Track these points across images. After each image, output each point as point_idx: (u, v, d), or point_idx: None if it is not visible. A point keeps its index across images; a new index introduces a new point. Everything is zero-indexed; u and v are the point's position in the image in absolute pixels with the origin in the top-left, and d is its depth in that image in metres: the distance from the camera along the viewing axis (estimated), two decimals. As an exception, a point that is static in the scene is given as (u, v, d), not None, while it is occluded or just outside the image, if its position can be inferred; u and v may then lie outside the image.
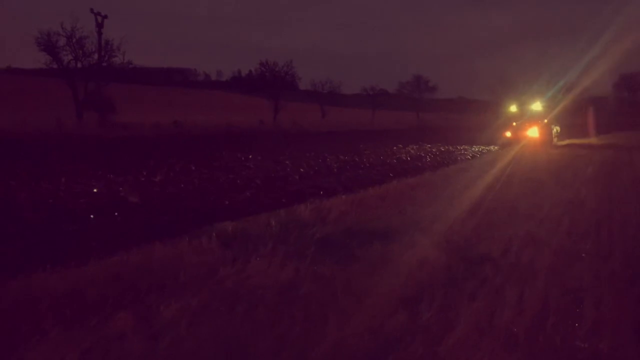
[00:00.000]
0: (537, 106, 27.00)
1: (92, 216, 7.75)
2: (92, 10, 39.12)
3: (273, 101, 51.19)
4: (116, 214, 7.96)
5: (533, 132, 25.59)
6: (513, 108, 27.75)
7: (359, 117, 60.19)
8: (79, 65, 31.24)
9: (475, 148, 26.08)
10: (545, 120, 26.41)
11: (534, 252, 6.37)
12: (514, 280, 5.30)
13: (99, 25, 39.07)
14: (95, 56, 31.32)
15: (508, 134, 26.60)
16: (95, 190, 9.68)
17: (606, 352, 3.74)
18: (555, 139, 27.69)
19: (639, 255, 6.35)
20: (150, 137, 23.13)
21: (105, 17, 39.78)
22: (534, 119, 26.24)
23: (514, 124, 26.69)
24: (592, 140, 33.79)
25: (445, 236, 7.09)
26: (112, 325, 3.88)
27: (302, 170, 14.41)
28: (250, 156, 17.66)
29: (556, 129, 28.25)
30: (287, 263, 5.63)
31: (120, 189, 9.86)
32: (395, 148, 24.62)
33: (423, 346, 3.73)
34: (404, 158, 19.81)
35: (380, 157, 20.11)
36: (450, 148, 25.76)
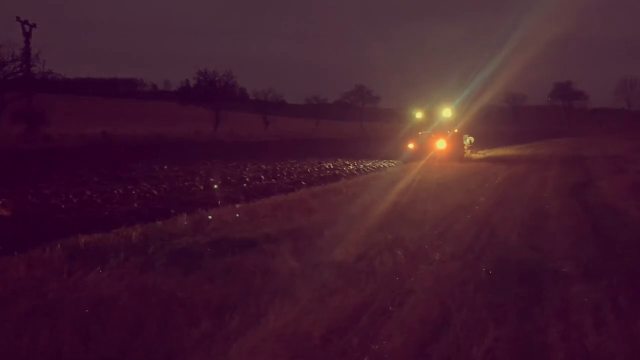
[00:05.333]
0: (446, 113, 23.96)
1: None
2: (18, 19, 37.77)
3: (213, 111, 50.69)
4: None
5: (441, 144, 22.81)
6: (419, 115, 24.70)
7: (304, 127, 60.28)
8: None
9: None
10: (456, 130, 23.73)
11: (390, 257, 6.45)
12: (351, 284, 5.32)
13: (27, 35, 37.74)
14: (12, 66, 30.06)
15: (411, 145, 23.69)
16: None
17: (389, 352, 3.77)
18: (468, 151, 25.21)
19: (487, 256, 6.53)
20: (71, 149, 22.37)
21: (34, 25, 38.47)
22: (443, 127, 23.46)
23: (420, 133, 23.90)
24: (512, 151, 32.41)
25: (311, 243, 7.09)
26: None
27: (211, 180, 14.22)
28: (165, 167, 17.31)
29: (469, 139, 25.85)
30: (127, 275, 5.48)
31: (-2, 202, 9.42)
32: (327, 157, 24.64)
33: (214, 353, 3.67)
34: (326, 166, 19.91)
35: (304, 166, 20.13)
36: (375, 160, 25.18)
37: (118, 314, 4.31)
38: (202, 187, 12.79)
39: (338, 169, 19.12)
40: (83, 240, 6.61)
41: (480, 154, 28.08)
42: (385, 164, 22.56)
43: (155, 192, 11.35)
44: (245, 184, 13.89)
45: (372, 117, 75.74)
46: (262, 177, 15.67)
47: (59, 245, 6.20)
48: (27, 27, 37.69)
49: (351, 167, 20.21)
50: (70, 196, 10.47)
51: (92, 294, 4.84)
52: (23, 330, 3.94)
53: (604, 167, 21.58)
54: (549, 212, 10.22)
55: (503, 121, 78.88)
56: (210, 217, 8.70)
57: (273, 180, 15.20)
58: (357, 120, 75.14)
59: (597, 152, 32.52)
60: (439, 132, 23.32)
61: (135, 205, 9.86)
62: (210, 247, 6.74)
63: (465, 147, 24.73)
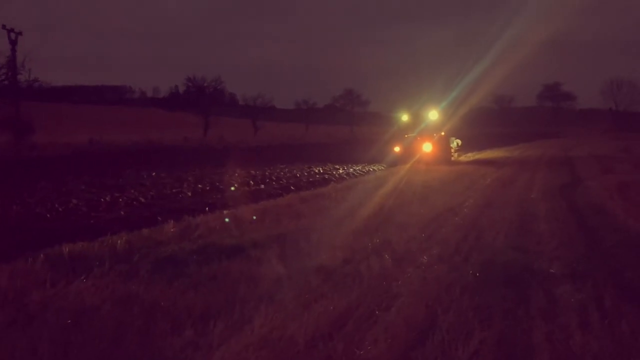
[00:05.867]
0: (433, 115, 23.50)
1: None
2: (4, 27, 37.49)
3: (203, 117, 50.61)
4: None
5: (427, 146, 22.42)
6: (405, 118, 24.09)
7: (293, 132, 60.26)
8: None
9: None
10: (443, 133, 23.35)
11: (377, 260, 6.42)
12: (337, 289, 5.28)
13: (13, 42, 37.45)
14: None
15: (397, 148, 23.33)
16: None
17: (375, 357, 3.74)
18: (455, 154, 24.98)
19: (474, 258, 6.52)
20: (58, 157, 22.19)
21: (20, 33, 38.20)
22: (429, 130, 23.04)
23: (406, 136, 23.44)
24: (500, 153, 31.98)
25: (298, 248, 7.05)
26: None
27: (199, 186, 14.14)
28: (153, 174, 17.19)
29: (457, 142, 25.46)
30: (111, 283, 5.40)
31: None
32: (316, 161, 24.57)
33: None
34: (315, 171, 19.88)
35: (294, 171, 20.08)
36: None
37: (100, 324, 4.24)
38: (190, 194, 12.70)
39: (327, 174, 19.08)
40: (67, 249, 6.51)
41: (469, 156, 28.03)
42: (374, 168, 22.54)
43: (143, 200, 11.26)
44: (233, 190, 13.82)
45: (361, 121, 75.89)
46: (251, 182, 15.61)
47: (42, 255, 6.10)
48: (13, 35, 37.52)
49: (341, 172, 20.18)
50: (56, 205, 10.35)
51: (75, 303, 4.76)
52: (0, 342, 3.87)
53: (592, 167, 21.73)
54: (537, 214, 10.24)
55: (491, 123, 79.46)
56: (200, 224, 8.59)
57: (262, 185, 15.14)
58: (346, 124, 75.35)
59: (585, 153, 32.77)
60: (425, 134, 22.99)
61: (122, 213, 9.77)
62: (196, 254, 6.66)
63: (452, 150, 24.48)
